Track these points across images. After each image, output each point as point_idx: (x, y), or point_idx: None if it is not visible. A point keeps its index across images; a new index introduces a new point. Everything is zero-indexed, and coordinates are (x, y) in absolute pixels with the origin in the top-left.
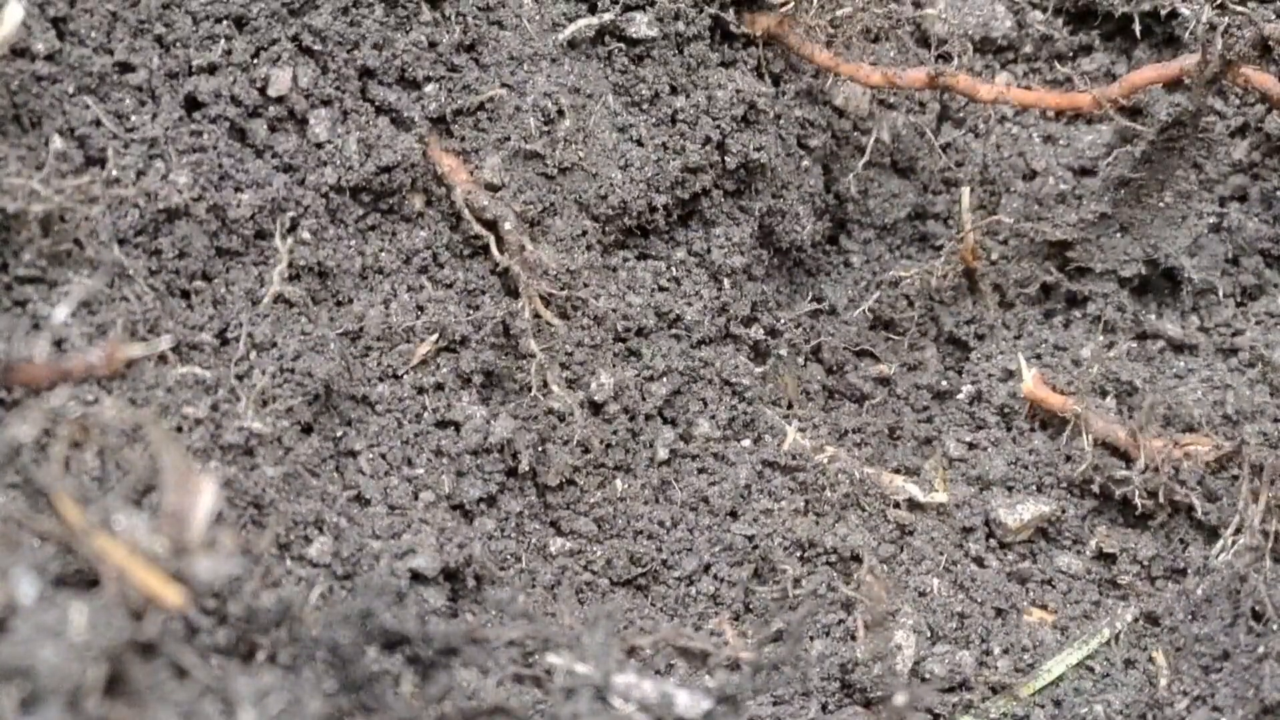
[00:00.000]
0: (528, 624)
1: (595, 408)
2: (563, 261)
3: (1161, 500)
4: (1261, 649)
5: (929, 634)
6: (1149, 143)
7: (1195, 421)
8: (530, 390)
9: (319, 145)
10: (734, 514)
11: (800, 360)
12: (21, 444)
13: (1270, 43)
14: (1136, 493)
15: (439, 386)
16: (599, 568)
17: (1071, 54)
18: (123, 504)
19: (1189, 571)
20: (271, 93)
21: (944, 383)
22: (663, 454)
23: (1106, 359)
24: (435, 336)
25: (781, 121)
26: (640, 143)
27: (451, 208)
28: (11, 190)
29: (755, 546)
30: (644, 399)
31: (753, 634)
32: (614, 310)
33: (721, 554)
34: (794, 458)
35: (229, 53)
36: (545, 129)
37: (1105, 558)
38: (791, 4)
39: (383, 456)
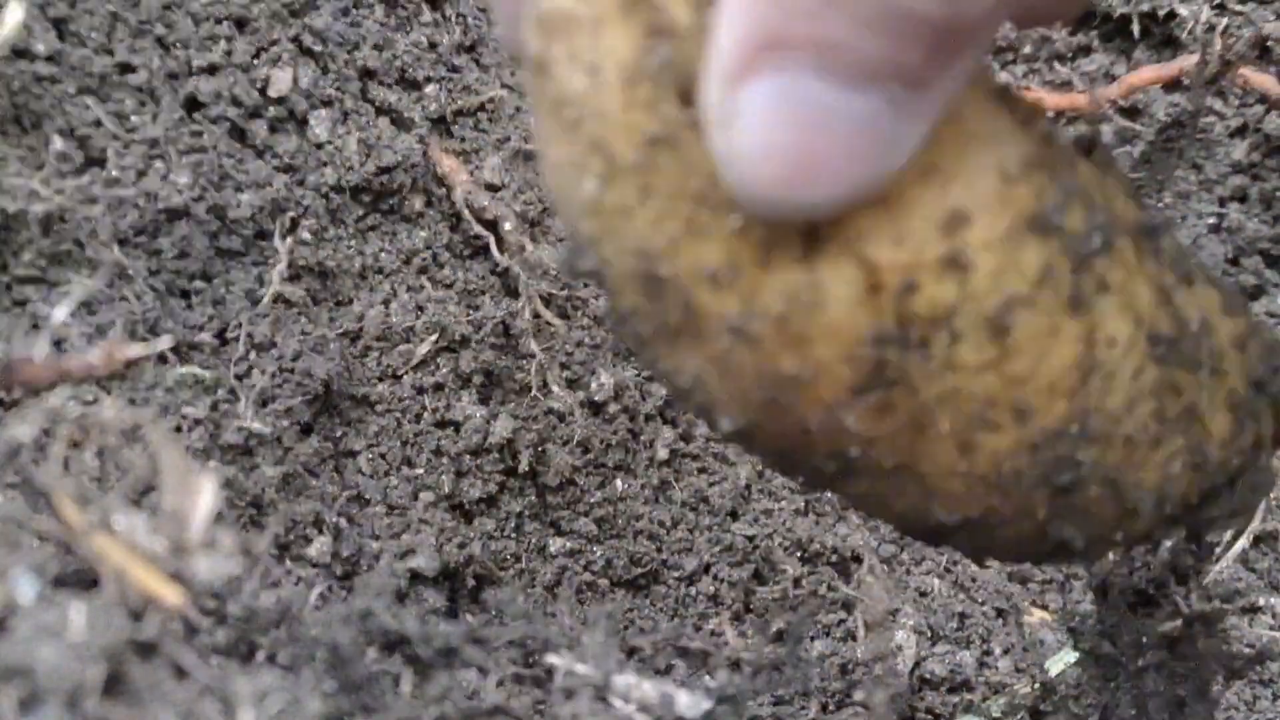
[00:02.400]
0: (527, 624)
1: (595, 408)
2: None
3: None
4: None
5: (929, 634)
6: (1148, 143)
7: None
8: (530, 390)
9: (319, 145)
10: (734, 514)
11: None
12: (21, 444)
13: (1269, 43)
14: None
15: (439, 386)
16: (599, 568)
17: (1071, 55)
18: (122, 504)
19: None
20: (272, 93)
21: None
22: (663, 454)
23: None
24: (435, 336)
25: None
26: None
27: (451, 208)
28: (12, 190)
29: (756, 546)
30: (644, 399)
31: (753, 634)
32: None
33: (722, 554)
34: None
35: (229, 53)
36: None
37: None
38: None
39: (382, 456)
